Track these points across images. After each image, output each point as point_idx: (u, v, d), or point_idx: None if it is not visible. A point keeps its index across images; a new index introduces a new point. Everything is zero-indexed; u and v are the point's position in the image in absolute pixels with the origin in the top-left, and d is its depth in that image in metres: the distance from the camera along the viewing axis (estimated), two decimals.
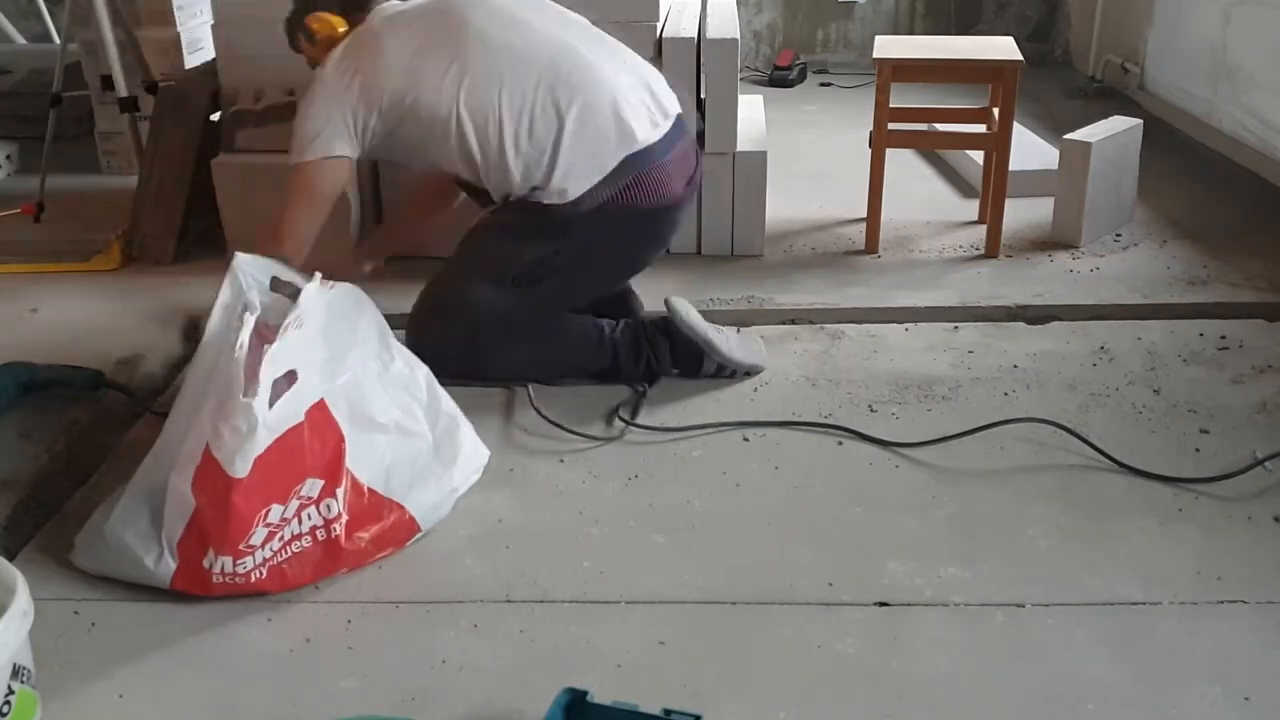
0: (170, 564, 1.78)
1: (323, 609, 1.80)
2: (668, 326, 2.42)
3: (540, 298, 2.37)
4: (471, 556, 1.91)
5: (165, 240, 3.05)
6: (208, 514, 1.74)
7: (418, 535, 1.93)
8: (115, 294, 2.87)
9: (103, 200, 3.49)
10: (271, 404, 1.75)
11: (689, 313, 2.42)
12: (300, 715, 1.58)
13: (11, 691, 1.47)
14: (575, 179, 2.28)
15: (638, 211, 2.33)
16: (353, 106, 2.28)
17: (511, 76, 2.28)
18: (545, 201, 2.30)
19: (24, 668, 1.50)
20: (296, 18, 2.45)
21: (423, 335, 2.37)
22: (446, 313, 2.39)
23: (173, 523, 1.77)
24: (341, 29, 2.40)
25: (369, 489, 1.88)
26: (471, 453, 2.08)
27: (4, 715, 1.45)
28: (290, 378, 1.79)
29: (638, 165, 2.31)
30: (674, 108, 2.45)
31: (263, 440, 1.73)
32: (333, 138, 2.29)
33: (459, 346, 2.37)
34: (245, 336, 1.79)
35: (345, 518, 1.84)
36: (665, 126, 2.38)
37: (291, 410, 1.78)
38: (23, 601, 1.49)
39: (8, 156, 3.89)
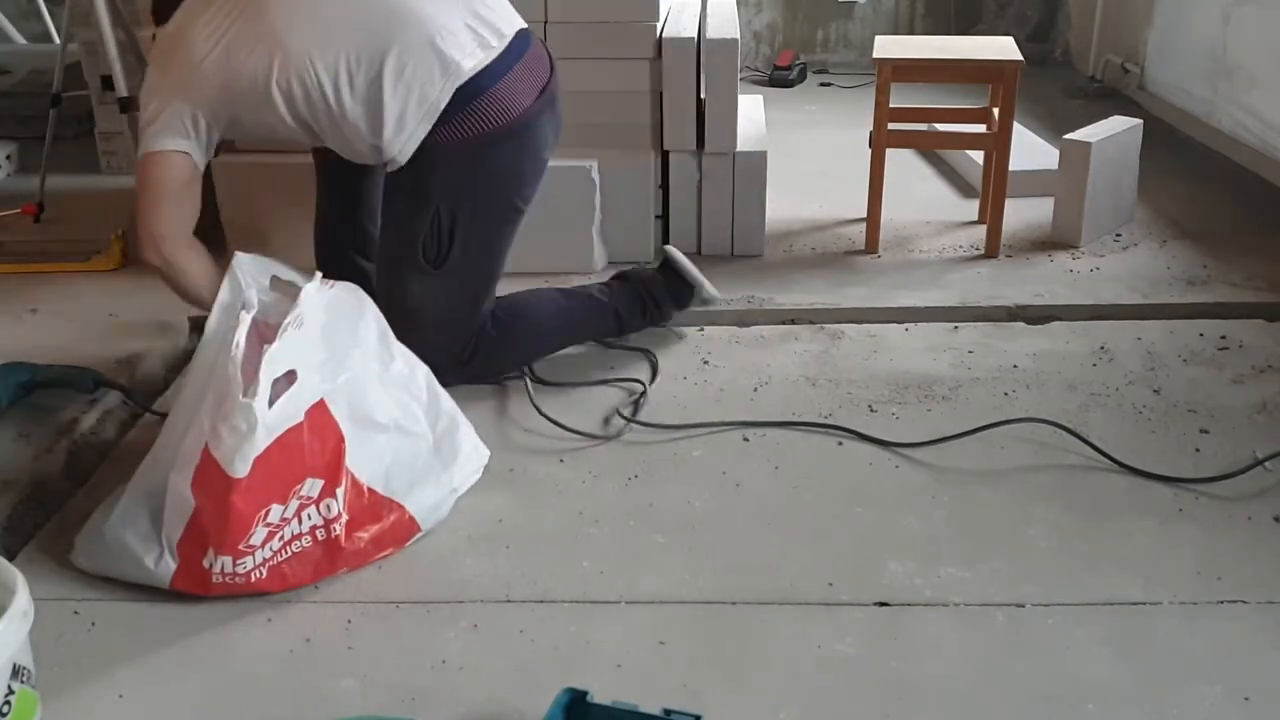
0: (170, 564, 1.78)
1: (323, 609, 1.80)
2: (660, 269, 2.61)
3: (465, 265, 2.31)
4: (471, 556, 1.91)
5: None
6: (207, 514, 1.74)
7: (418, 535, 1.93)
8: (115, 294, 2.87)
9: (103, 200, 3.49)
10: (271, 404, 1.75)
11: (684, 258, 2.63)
12: (300, 715, 1.58)
13: (11, 691, 1.47)
14: (408, 126, 2.20)
15: (493, 136, 2.26)
16: (177, 104, 2.15)
17: (321, 39, 2.17)
18: (393, 163, 2.24)
19: (24, 668, 1.50)
20: None
21: (418, 352, 2.24)
22: (414, 329, 2.22)
23: (172, 523, 1.77)
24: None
25: (369, 489, 1.88)
26: (472, 453, 2.08)
27: (4, 715, 1.45)
28: (290, 377, 1.79)
29: (473, 93, 2.23)
30: (510, 25, 2.32)
31: (262, 440, 1.73)
32: (166, 132, 2.16)
33: (445, 356, 2.30)
34: (241, 336, 1.79)
35: (345, 517, 1.84)
36: (500, 46, 2.28)
37: (291, 410, 1.78)
38: (23, 601, 1.49)
39: (8, 156, 3.89)
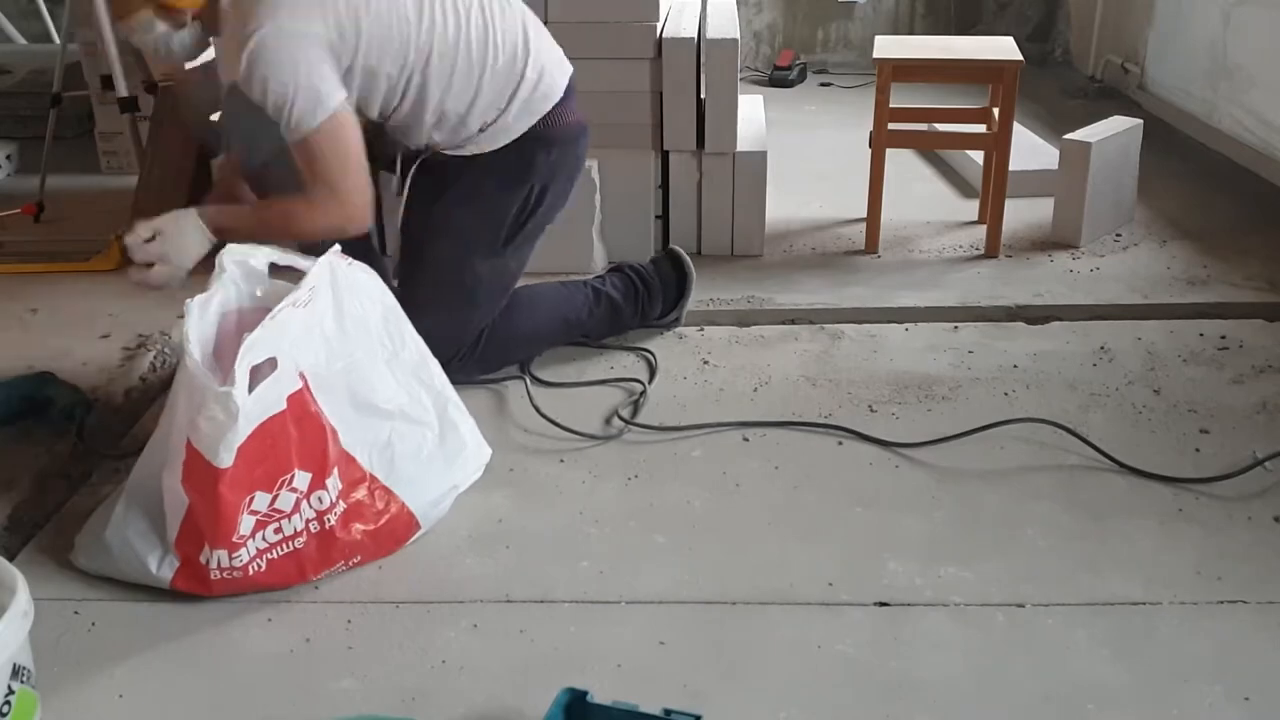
0: (172, 563, 1.78)
1: (323, 609, 1.80)
2: (653, 261, 2.66)
3: (519, 251, 2.40)
4: (471, 556, 1.91)
5: None
6: (199, 508, 1.74)
7: (418, 533, 1.93)
8: (115, 294, 2.86)
9: (103, 200, 3.48)
10: (250, 390, 1.72)
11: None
12: (300, 715, 1.58)
13: (11, 691, 1.47)
14: (530, 106, 2.30)
15: (582, 126, 2.41)
16: (316, 50, 2.01)
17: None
18: (480, 147, 2.29)
19: (24, 668, 1.50)
20: None
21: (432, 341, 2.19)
22: (462, 308, 2.34)
23: (171, 521, 1.77)
24: None
25: (370, 474, 1.87)
26: (475, 450, 2.08)
27: (4, 715, 1.46)
28: (271, 364, 1.76)
29: (569, 90, 2.38)
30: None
31: (244, 428, 1.71)
32: (324, 87, 2.02)
33: (464, 344, 2.35)
34: (210, 329, 1.78)
35: (341, 506, 1.82)
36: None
37: (271, 398, 1.76)
38: (23, 601, 1.49)
39: (8, 156, 3.89)
